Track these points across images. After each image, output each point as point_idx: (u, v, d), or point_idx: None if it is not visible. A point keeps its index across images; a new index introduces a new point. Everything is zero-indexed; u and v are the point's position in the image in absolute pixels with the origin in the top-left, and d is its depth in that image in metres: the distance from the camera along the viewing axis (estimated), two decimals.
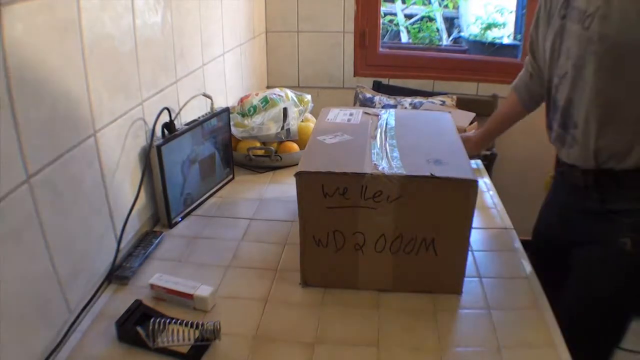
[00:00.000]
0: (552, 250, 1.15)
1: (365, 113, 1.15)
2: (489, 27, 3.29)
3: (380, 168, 0.87)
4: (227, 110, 1.36)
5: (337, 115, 1.15)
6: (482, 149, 1.35)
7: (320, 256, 0.93)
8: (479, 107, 1.93)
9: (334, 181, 0.86)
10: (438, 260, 0.90)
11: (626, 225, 0.97)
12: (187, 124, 1.22)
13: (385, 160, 0.90)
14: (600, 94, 0.93)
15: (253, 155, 1.45)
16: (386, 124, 1.08)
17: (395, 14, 3.67)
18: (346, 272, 0.94)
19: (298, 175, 0.87)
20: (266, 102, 1.53)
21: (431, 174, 0.85)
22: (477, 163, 1.48)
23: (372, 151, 0.94)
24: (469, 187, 0.85)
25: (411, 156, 0.92)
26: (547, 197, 1.23)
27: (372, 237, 0.90)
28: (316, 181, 0.87)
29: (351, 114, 1.15)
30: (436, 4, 3.70)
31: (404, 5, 3.70)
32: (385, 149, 0.95)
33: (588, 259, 1.03)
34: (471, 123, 1.59)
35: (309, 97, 1.62)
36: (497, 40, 3.09)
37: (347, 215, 0.88)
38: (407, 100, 1.90)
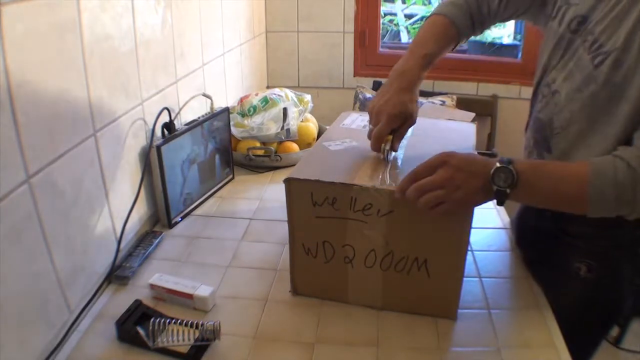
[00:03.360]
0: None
1: None
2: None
3: (372, 180, 0.83)
4: (227, 110, 1.36)
5: (355, 120, 1.12)
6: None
7: (310, 265, 0.91)
8: (479, 107, 1.94)
9: (323, 190, 0.83)
10: (431, 282, 0.86)
11: (581, 249, 0.92)
12: (187, 124, 1.22)
13: (382, 171, 0.87)
14: (582, 131, 0.86)
15: (253, 155, 1.45)
16: None
17: (395, 14, 3.67)
18: (336, 284, 0.91)
19: (287, 181, 0.85)
20: (266, 102, 1.53)
21: None
22: None
23: (372, 161, 0.91)
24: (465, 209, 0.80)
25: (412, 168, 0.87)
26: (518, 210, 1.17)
27: (362, 251, 0.86)
28: (305, 189, 0.84)
29: (369, 120, 1.12)
30: (436, 4, 3.70)
31: (404, 5, 3.70)
32: (388, 160, 0.92)
33: (545, 282, 0.98)
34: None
35: (308, 97, 1.62)
36: (497, 40, 3.09)
37: (336, 227, 0.85)
38: None
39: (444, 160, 0.79)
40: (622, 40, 0.77)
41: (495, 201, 0.78)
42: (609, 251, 0.91)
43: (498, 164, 0.76)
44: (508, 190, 0.76)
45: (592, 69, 0.82)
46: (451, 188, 0.77)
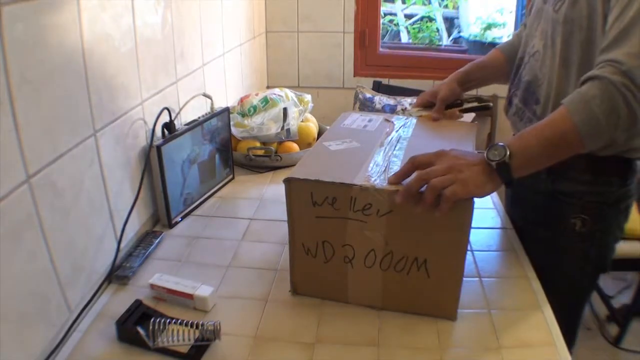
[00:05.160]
0: (515, 230, 1.16)
1: (386, 120, 1.12)
2: (489, 27, 3.29)
3: (372, 180, 0.83)
4: (227, 110, 1.36)
5: (355, 120, 1.12)
6: (459, 90, 1.22)
7: (309, 265, 0.90)
8: None
9: (323, 190, 0.83)
10: (430, 282, 0.85)
11: (575, 206, 1.01)
12: (187, 124, 1.22)
13: (382, 171, 0.87)
14: (562, 74, 0.96)
15: (253, 155, 1.45)
16: (401, 132, 1.04)
17: (395, 14, 3.67)
18: (336, 284, 0.91)
19: (287, 181, 0.85)
20: (266, 102, 1.53)
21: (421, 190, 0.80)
22: None
23: (372, 161, 0.91)
24: (464, 208, 0.79)
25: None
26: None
27: (362, 251, 0.86)
28: (305, 189, 0.84)
29: (370, 120, 1.11)
30: (436, 4, 3.70)
31: (404, 5, 3.71)
32: (388, 160, 0.91)
33: (540, 241, 1.07)
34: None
35: (309, 97, 1.62)
36: (497, 40, 3.09)
37: (336, 226, 0.85)
38: (407, 100, 1.90)
39: (441, 152, 0.83)
40: None
41: (504, 185, 0.82)
42: (600, 207, 1.01)
43: (489, 146, 0.82)
44: (507, 160, 0.80)
45: (554, 15, 0.96)
46: (455, 172, 0.79)
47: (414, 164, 0.82)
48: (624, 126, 0.80)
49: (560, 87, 0.97)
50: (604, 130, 0.81)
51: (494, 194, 1.31)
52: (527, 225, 1.13)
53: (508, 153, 0.80)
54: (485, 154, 0.81)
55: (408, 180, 0.81)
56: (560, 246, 1.06)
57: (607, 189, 1.00)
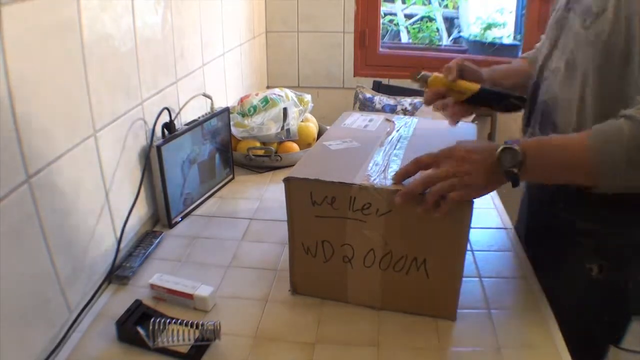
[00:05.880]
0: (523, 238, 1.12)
1: (387, 120, 1.12)
2: (489, 27, 3.29)
3: (371, 179, 0.83)
4: (227, 110, 1.36)
5: (356, 120, 1.12)
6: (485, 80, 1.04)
7: (309, 265, 0.91)
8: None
9: (322, 190, 0.84)
10: (429, 282, 0.85)
11: (591, 249, 0.91)
12: (187, 124, 1.22)
13: (382, 171, 0.87)
14: (583, 102, 0.85)
15: (253, 155, 1.45)
16: (402, 132, 1.04)
17: (395, 14, 3.67)
18: (335, 284, 0.91)
19: (286, 180, 0.85)
20: (266, 102, 1.53)
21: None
22: None
23: (372, 161, 0.91)
24: (464, 208, 0.79)
25: None
26: (520, 207, 1.18)
27: (361, 250, 0.86)
28: (304, 188, 0.84)
29: (370, 120, 1.12)
30: (436, 4, 3.70)
31: (404, 5, 3.71)
32: (388, 159, 0.91)
33: (555, 284, 0.96)
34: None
35: (309, 97, 1.62)
36: (497, 40, 3.09)
37: (335, 226, 0.86)
38: (407, 101, 1.90)
39: (446, 153, 0.80)
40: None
41: (510, 184, 0.78)
42: (622, 250, 0.89)
43: (503, 145, 0.76)
44: (516, 170, 0.76)
45: (582, 32, 0.83)
46: (460, 175, 0.77)
47: (418, 165, 0.81)
48: None
49: (581, 116, 0.86)
50: (622, 173, 0.74)
51: (495, 194, 1.31)
52: (538, 265, 1.02)
53: (521, 160, 0.75)
54: (497, 152, 0.76)
55: (411, 181, 0.80)
56: (571, 291, 0.95)
57: (635, 230, 0.88)
